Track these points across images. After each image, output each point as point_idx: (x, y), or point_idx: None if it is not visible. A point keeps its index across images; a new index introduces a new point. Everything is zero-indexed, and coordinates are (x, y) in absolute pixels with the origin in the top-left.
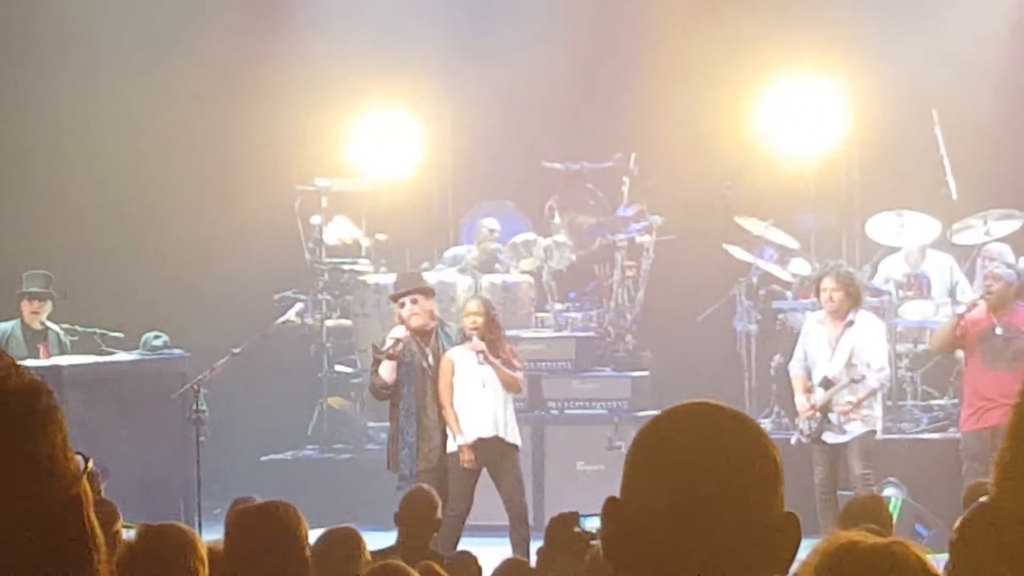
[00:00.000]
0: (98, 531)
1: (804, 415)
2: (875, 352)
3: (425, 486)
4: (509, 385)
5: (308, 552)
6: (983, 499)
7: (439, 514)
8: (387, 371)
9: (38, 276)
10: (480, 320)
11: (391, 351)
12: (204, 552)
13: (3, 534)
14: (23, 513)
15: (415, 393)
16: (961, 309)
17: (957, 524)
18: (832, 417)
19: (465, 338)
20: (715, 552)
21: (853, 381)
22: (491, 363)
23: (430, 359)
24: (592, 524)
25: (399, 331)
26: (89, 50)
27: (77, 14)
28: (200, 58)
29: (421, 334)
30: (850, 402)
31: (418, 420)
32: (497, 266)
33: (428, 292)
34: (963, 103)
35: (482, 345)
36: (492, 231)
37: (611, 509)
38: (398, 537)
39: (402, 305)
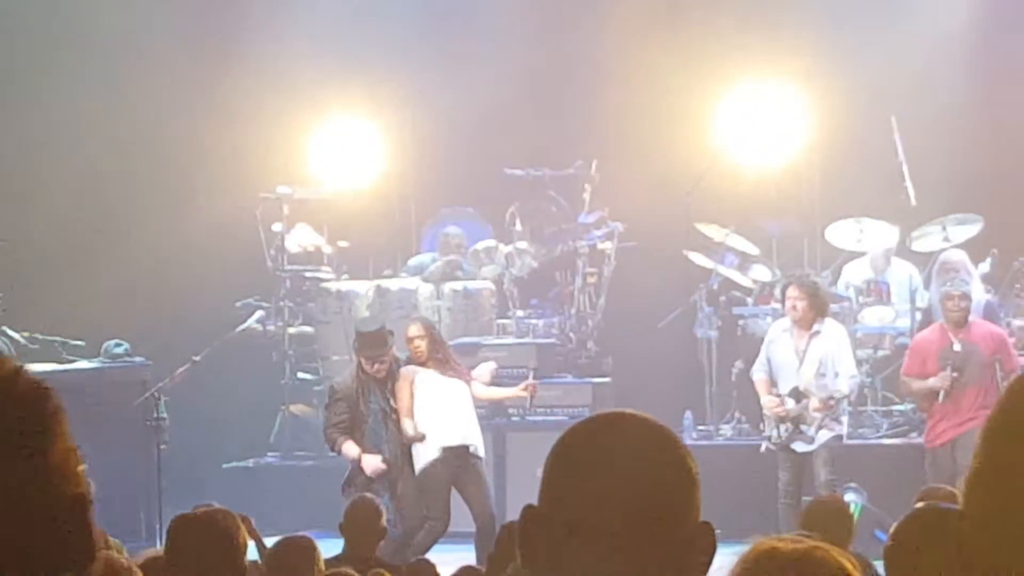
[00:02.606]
0: (97, 528)
1: (775, 417)
2: (844, 360)
3: (368, 495)
4: (507, 400)
5: (245, 560)
6: (918, 505)
7: (383, 522)
8: (353, 453)
9: None
10: (423, 343)
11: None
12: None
13: (17, 530)
14: (36, 510)
15: (375, 437)
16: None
17: (892, 530)
18: (804, 428)
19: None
20: (630, 560)
21: (829, 399)
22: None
23: (391, 401)
24: None
25: (372, 463)
26: (49, 61)
27: (39, 24)
28: (161, 67)
29: (382, 380)
30: (821, 411)
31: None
32: (459, 273)
33: (383, 354)
34: (921, 110)
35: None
36: (459, 245)
37: (528, 517)
38: (344, 545)
39: (371, 364)
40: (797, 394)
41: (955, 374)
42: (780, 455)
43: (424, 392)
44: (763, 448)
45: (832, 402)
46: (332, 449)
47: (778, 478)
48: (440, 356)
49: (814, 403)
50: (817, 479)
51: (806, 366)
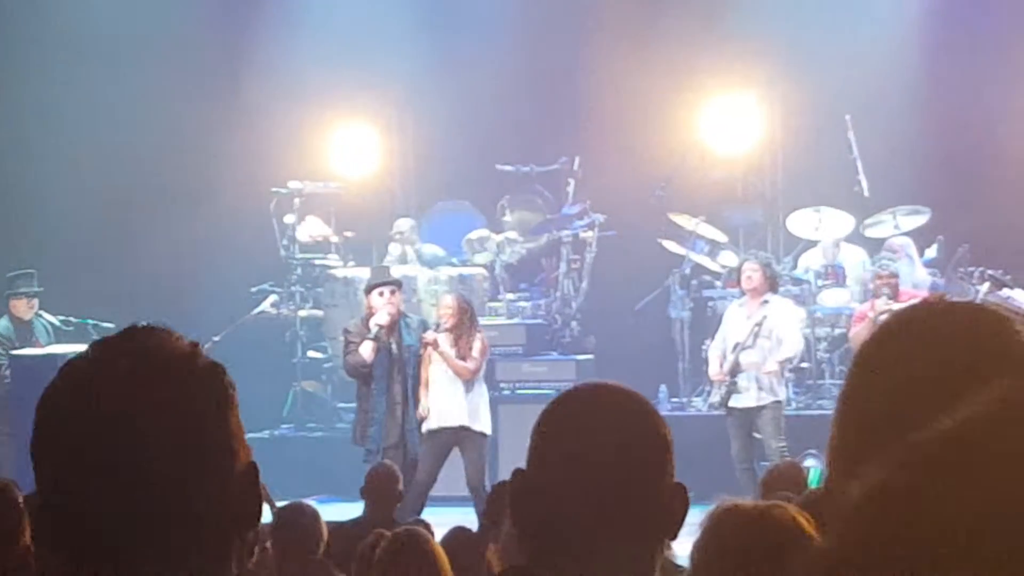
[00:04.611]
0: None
1: (716, 381)
2: (786, 327)
3: (388, 462)
4: (457, 372)
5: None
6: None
7: (400, 487)
8: (368, 351)
9: (29, 275)
10: (449, 313)
11: (378, 335)
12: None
13: (210, 490)
14: (225, 474)
15: (384, 375)
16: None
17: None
18: (740, 379)
19: (424, 328)
20: (610, 517)
21: (757, 339)
22: (441, 353)
23: (394, 346)
24: None
25: (383, 317)
26: (80, 60)
27: (67, 23)
28: (186, 72)
29: (389, 323)
30: (756, 363)
31: (387, 399)
32: (453, 259)
33: (400, 285)
34: (874, 109)
35: (433, 336)
36: (402, 233)
37: (517, 480)
38: (365, 508)
39: (381, 295)
40: (739, 349)
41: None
42: (728, 423)
43: (435, 370)
44: (706, 408)
45: (778, 365)
46: (350, 370)
47: (731, 447)
48: (460, 331)
49: (751, 355)
50: (768, 447)
51: (749, 323)
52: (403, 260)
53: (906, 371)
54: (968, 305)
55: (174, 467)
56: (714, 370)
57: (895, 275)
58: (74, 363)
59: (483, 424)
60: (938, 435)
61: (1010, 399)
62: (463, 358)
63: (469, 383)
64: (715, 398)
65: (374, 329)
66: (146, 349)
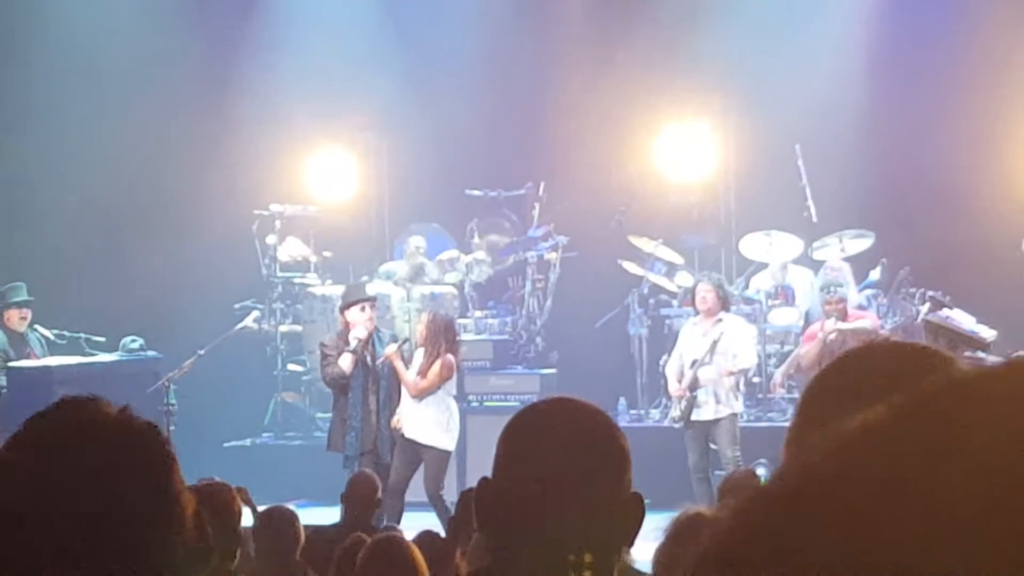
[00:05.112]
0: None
1: (676, 397)
2: (740, 343)
3: (368, 471)
4: (406, 387)
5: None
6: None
7: (380, 495)
8: (347, 363)
9: (19, 287)
10: (420, 330)
11: (357, 348)
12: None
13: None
14: (171, 531)
15: (360, 386)
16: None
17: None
18: (699, 395)
19: (395, 342)
20: (569, 523)
21: (715, 356)
22: (394, 366)
23: (368, 359)
24: None
25: (362, 331)
26: (74, 89)
27: (60, 53)
28: (174, 100)
29: (366, 337)
30: (713, 379)
31: (363, 409)
32: (425, 278)
33: (375, 302)
34: (822, 140)
35: (390, 350)
36: (419, 247)
37: (483, 488)
38: (344, 514)
39: (363, 310)
40: (696, 366)
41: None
42: (686, 436)
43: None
44: (666, 422)
45: (729, 373)
46: (330, 381)
47: (688, 458)
48: (430, 349)
49: (709, 372)
50: (724, 456)
51: (705, 341)
52: (419, 274)
53: (853, 404)
54: (913, 345)
55: (118, 530)
56: (673, 386)
57: (843, 299)
58: (17, 436)
59: (434, 438)
60: (854, 426)
61: (921, 393)
62: (424, 374)
63: (422, 399)
64: (675, 412)
65: (354, 343)
66: (77, 420)
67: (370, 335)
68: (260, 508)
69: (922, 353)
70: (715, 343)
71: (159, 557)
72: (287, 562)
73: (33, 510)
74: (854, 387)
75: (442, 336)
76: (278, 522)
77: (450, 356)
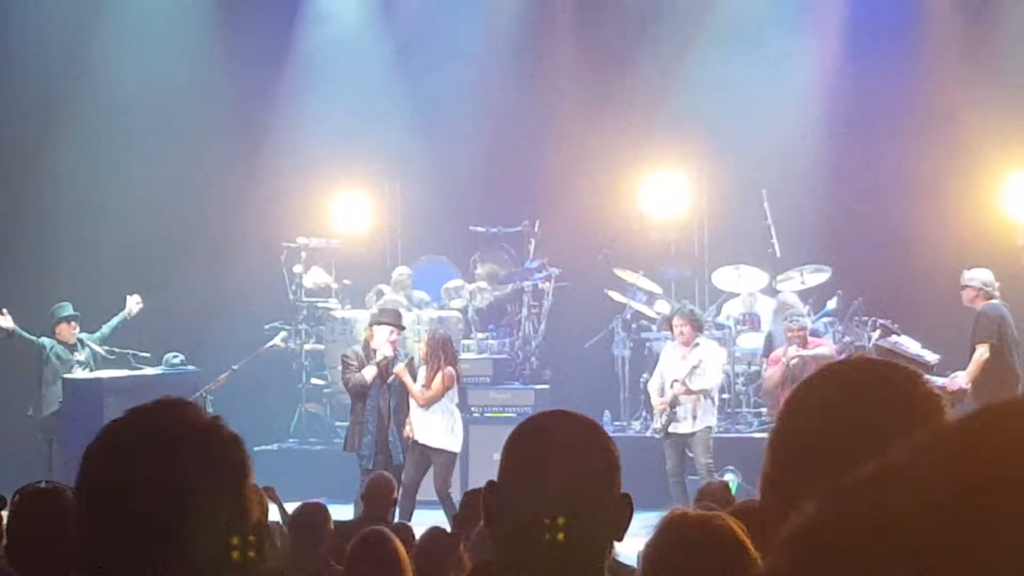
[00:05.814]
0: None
1: (658, 410)
2: (711, 364)
3: (386, 473)
4: (412, 397)
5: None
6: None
7: (395, 495)
8: (371, 375)
9: (65, 305)
10: (423, 347)
11: (381, 363)
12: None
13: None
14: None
15: (376, 395)
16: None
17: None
18: (679, 411)
19: (408, 360)
20: (567, 521)
21: (694, 377)
22: (402, 380)
23: (385, 374)
24: None
25: (388, 350)
26: (126, 137)
27: (113, 107)
28: (212, 146)
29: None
30: (691, 394)
31: (378, 416)
32: (433, 304)
33: (403, 329)
34: (785, 184)
35: (401, 367)
36: (402, 274)
37: (490, 490)
38: (362, 511)
39: (392, 332)
40: (676, 385)
41: (795, 359)
42: (665, 444)
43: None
44: (649, 432)
45: (701, 392)
46: (351, 387)
47: (666, 464)
48: (429, 364)
49: (685, 389)
50: (698, 463)
51: (686, 364)
52: (396, 302)
53: (830, 415)
54: (882, 361)
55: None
56: (656, 401)
57: (804, 328)
58: (114, 425)
59: (442, 442)
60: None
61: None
62: (428, 386)
63: (428, 407)
64: (657, 424)
65: (379, 358)
66: (176, 419)
67: (394, 355)
68: (288, 505)
69: (900, 372)
70: (695, 367)
71: (214, 550)
72: (313, 552)
73: (135, 479)
74: (818, 428)
75: (441, 351)
76: (312, 516)
77: (450, 368)
